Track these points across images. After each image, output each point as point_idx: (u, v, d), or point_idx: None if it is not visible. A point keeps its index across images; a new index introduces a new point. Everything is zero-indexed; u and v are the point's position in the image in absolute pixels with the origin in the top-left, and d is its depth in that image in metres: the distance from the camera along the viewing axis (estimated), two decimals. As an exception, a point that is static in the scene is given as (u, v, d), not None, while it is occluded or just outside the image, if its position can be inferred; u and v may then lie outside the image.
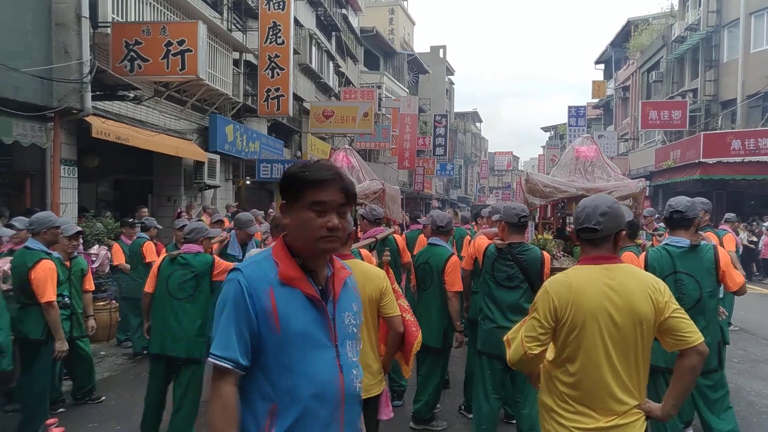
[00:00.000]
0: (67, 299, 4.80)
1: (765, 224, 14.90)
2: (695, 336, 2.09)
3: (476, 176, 60.03)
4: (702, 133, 18.79)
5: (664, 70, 24.51)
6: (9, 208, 7.75)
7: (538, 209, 6.89)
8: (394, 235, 5.33)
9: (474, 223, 7.81)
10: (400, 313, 3.06)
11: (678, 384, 2.13)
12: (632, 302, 2.09)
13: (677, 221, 3.60)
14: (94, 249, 7.25)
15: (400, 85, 34.34)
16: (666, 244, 3.65)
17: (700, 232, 3.81)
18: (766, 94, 17.86)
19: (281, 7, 13.53)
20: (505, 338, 2.33)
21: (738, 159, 16.85)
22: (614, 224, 2.17)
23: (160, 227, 7.87)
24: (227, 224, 8.43)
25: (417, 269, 4.73)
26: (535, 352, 2.16)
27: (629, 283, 2.12)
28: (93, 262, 6.93)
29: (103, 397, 5.51)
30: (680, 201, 3.62)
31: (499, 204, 5.78)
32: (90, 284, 5.40)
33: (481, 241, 4.41)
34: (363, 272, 2.99)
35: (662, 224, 8.51)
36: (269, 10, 13.56)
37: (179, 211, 10.82)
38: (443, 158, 38.00)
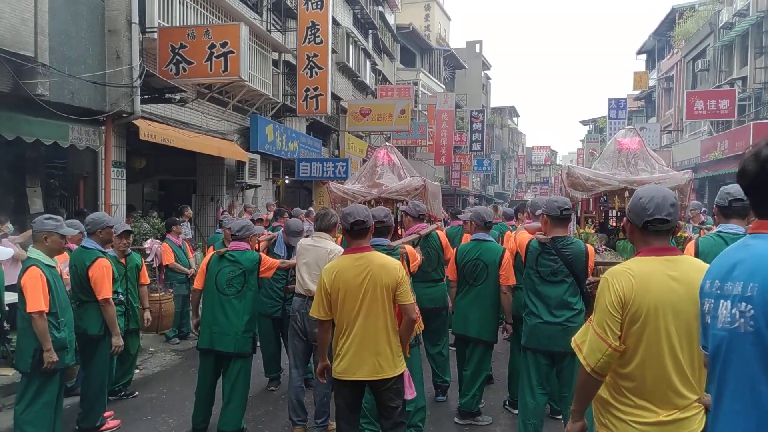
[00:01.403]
0: (121, 296, 5.01)
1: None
2: None
3: (513, 171, 59.18)
4: (752, 122, 18.11)
5: (711, 59, 23.69)
6: (65, 209, 8.11)
7: (580, 203, 6.79)
8: (437, 231, 5.35)
9: (515, 219, 7.74)
10: (413, 302, 3.33)
11: None
12: (696, 294, 2.04)
13: (738, 210, 3.46)
14: (147, 243, 7.41)
15: (437, 81, 34.18)
16: (719, 231, 3.51)
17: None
18: (821, 81, 17.09)
19: (319, 6, 13.66)
20: (573, 344, 2.26)
21: (791, 149, 16.18)
22: (678, 215, 2.18)
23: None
24: (266, 218, 8.90)
25: (466, 265, 4.74)
26: (617, 344, 2.08)
27: (692, 274, 2.07)
28: (147, 256, 7.13)
29: (137, 392, 5.63)
30: (740, 189, 3.50)
31: (539, 198, 5.72)
32: (145, 278, 5.68)
33: (522, 236, 4.39)
34: (380, 264, 3.25)
35: (710, 218, 8.27)
36: (308, 10, 13.70)
37: (222, 210, 11.08)
38: (480, 154, 37.63)
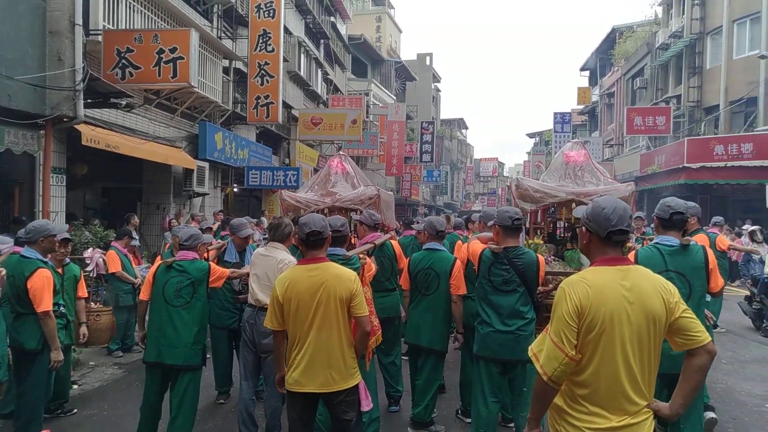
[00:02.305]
0: (62, 308, 4.76)
1: (745, 227, 15.14)
2: (704, 335, 2.13)
3: (462, 182, 60.25)
4: (686, 138, 19.10)
5: (649, 77, 24.88)
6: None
7: (529, 214, 6.96)
8: (391, 240, 5.36)
9: (467, 229, 7.86)
10: (367, 314, 3.31)
11: (687, 383, 2.16)
12: (646, 303, 2.12)
13: (676, 222, 3.63)
14: (88, 252, 7.08)
15: (388, 92, 34.48)
16: (656, 243, 3.67)
17: (687, 237, 3.84)
18: (749, 100, 18.19)
19: (271, 14, 13.55)
20: (531, 353, 2.29)
21: (721, 164, 17.14)
22: (632, 226, 2.26)
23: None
24: (214, 227, 8.72)
25: (418, 274, 4.76)
26: (573, 353, 2.11)
27: (643, 284, 2.15)
28: (86, 266, 6.81)
29: (75, 410, 5.35)
30: (679, 203, 3.66)
31: (491, 209, 5.82)
32: (83, 291, 5.37)
33: (475, 245, 4.44)
34: (335, 274, 3.22)
35: (650, 228, 8.64)
36: (259, 17, 13.57)
37: (169, 218, 10.77)
38: (430, 165, 38.18)
